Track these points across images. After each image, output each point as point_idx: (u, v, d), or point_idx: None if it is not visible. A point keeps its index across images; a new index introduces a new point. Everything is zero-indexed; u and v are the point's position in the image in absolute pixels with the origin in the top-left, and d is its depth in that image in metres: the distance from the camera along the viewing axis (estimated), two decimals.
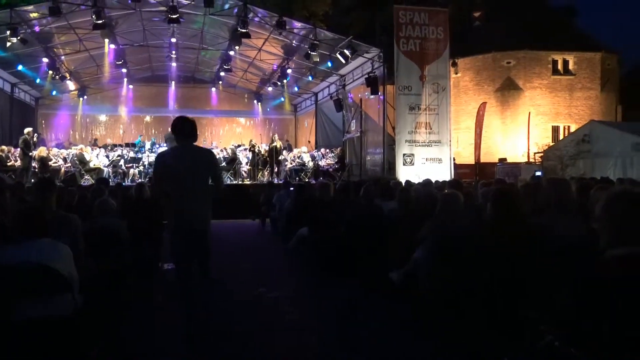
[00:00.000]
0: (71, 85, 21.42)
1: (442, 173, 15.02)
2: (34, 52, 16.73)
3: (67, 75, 19.29)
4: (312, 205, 6.67)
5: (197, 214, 3.89)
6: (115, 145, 18.61)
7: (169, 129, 15.04)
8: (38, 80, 18.94)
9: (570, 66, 25.18)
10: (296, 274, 6.50)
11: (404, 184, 7.27)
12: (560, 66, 25.07)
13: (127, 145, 19.24)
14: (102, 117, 24.86)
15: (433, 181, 9.40)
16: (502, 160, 20.30)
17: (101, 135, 24.31)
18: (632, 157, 13.85)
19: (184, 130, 4.00)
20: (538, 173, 14.29)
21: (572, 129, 24.30)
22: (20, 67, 17.11)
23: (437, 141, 15.60)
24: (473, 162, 21.93)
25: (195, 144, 4.04)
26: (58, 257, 2.63)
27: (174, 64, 20.86)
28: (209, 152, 4.31)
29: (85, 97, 22.93)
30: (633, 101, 26.51)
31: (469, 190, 6.11)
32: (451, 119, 16.09)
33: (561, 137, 24.06)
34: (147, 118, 25.12)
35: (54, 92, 21.75)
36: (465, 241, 3.42)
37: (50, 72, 17.27)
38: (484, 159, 20.81)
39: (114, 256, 4.03)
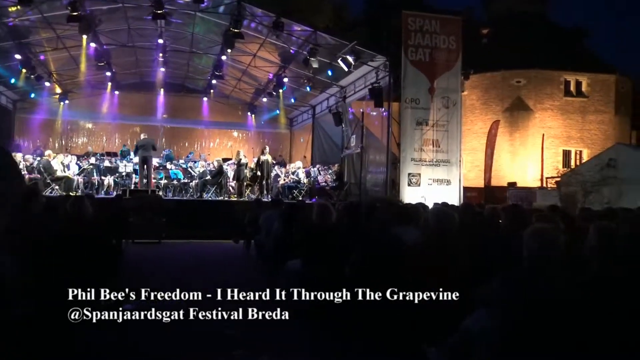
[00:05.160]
0: (52, 88, 19.94)
1: (451, 196, 13.52)
2: (8, 48, 15.25)
3: (45, 75, 17.77)
4: (307, 232, 5.09)
5: None
6: (95, 154, 16.98)
7: (141, 136, 13.61)
8: (13, 81, 17.35)
9: (583, 88, 23.91)
10: (286, 324, 4.83)
11: (426, 208, 5.69)
12: (572, 87, 23.79)
13: (108, 154, 17.68)
14: (85, 124, 23.28)
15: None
16: (512, 184, 18.85)
17: (83, 143, 22.79)
18: None
19: None
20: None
21: (585, 154, 22.98)
22: None
23: (446, 161, 14.14)
24: (479, 185, 20.59)
25: None
26: None
27: (162, 69, 19.41)
28: None
29: (66, 101, 21.38)
30: None
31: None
32: (462, 137, 14.69)
33: (573, 162, 22.71)
34: (137, 128, 23.51)
35: (33, 95, 20.16)
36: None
37: (24, 70, 15.69)
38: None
39: None
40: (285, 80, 17.55)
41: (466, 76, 15.17)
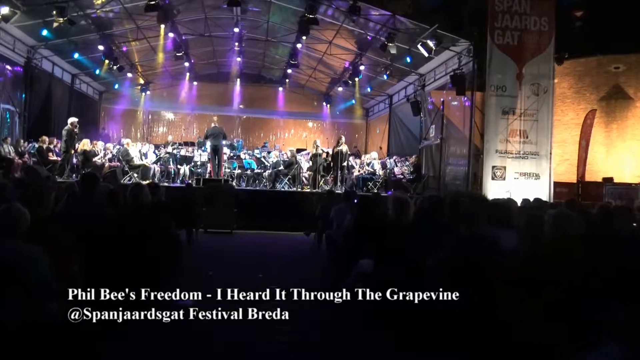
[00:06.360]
0: (134, 79, 20.58)
1: (540, 191, 12.43)
2: (92, 40, 15.72)
3: (127, 66, 18.26)
4: (381, 228, 4.53)
5: None
6: (173, 144, 17.22)
7: (212, 125, 13.44)
8: (97, 71, 17.94)
9: None
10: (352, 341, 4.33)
11: (516, 204, 4.96)
12: None
13: (185, 144, 17.92)
14: (165, 114, 23.89)
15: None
16: (608, 179, 17.18)
17: (163, 133, 23.39)
18: None
19: None
20: None
21: None
22: (76, 56, 16.08)
23: (534, 153, 13.04)
24: (570, 181, 19.00)
25: None
26: None
27: (238, 59, 19.47)
28: None
29: (147, 92, 22.04)
30: None
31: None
32: (553, 128, 13.48)
33: None
34: (215, 118, 23.79)
35: (116, 86, 20.94)
36: None
37: (107, 61, 16.12)
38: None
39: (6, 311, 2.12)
40: (362, 68, 16.98)
41: (559, 60, 13.95)
